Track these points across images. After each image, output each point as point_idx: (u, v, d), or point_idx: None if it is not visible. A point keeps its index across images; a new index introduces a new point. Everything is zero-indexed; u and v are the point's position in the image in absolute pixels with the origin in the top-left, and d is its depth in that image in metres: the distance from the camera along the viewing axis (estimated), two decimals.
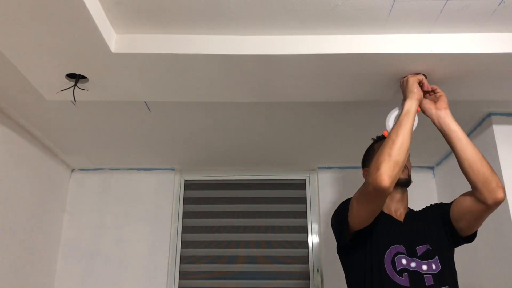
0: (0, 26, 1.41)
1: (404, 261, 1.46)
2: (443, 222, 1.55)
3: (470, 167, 1.43)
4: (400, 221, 1.56)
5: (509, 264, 1.91)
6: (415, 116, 1.48)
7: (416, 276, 1.43)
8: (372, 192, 1.35)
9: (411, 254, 1.48)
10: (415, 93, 1.52)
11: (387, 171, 1.32)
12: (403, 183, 1.59)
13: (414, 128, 1.49)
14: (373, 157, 1.45)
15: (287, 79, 1.74)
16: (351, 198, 1.55)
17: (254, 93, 1.85)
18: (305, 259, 2.65)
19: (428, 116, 1.58)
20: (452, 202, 1.56)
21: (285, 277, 2.62)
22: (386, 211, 1.59)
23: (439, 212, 1.58)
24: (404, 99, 1.55)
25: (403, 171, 1.55)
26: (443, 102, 1.55)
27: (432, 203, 1.68)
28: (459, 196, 1.54)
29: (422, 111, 1.59)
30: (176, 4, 1.43)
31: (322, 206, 2.74)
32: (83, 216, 2.74)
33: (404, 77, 1.64)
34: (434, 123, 1.56)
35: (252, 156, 2.64)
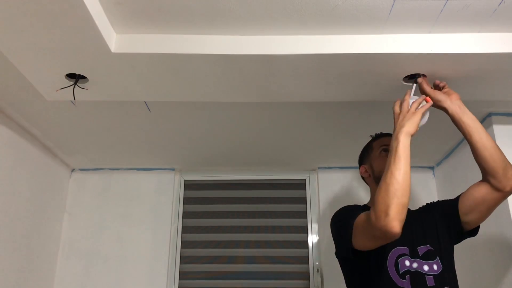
0: (0, 26, 1.41)
1: (407, 263, 1.45)
2: (446, 218, 1.54)
3: (490, 155, 1.43)
4: None
5: (509, 264, 1.91)
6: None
7: (417, 277, 1.43)
8: (381, 236, 1.29)
9: (413, 255, 1.47)
10: (415, 125, 1.42)
11: (397, 216, 1.24)
12: None
13: (424, 122, 1.48)
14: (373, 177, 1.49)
15: (287, 79, 1.74)
16: (355, 209, 1.50)
17: (254, 93, 1.85)
18: (305, 259, 2.65)
19: (441, 109, 1.55)
20: (460, 196, 1.56)
21: (285, 277, 2.62)
22: None
23: (441, 209, 1.57)
24: (398, 128, 1.40)
25: None
26: (455, 95, 1.55)
27: (428, 202, 1.67)
28: (469, 189, 1.54)
29: (435, 104, 1.54)
30: (176, 4, 1.43)
31: (322, 206, 2.74)
32: (83, 216, 2.74)
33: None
34: (449, 114, 1.53)
35: (252, 156, 2.64)
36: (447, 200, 1.60)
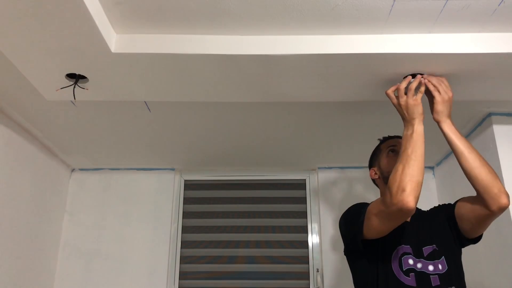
0: (0, 26, 1.41)
1: (411, 261, 1.46)
2: (449, 222, 1.55)
3: (477, 175, 1.42)
4: (407, 221, 1.55)
5: (509, 264, 1.91)
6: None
7: (422, 276, 1.44)
8: (396, 213, 1.35)
9: (418, 255, 1.48)
10: (421, 114, 1.47)
11: (413, 192, 1.32)
12: None
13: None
14: (386, 169, 1.49)
15: (287, 79, 1.74)
16: (365, 204, 1.53)
17: (254, 93, 1.85)
18: (305, 259, 2.65)
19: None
20: (457, 201, 1.56)
21: (285, 277, 2.62)
22: None
23: (446, 212, 1.58)
24: (410, 119, 1.47)
25: None
26: (439, 108, 1.52)
27: (440, 204, 1.68)
28: (466, 197, 1.54)
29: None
30: (176, 4, 1.43)
31: (322, 206, 2.74)
32: (83, 216, 2.74)
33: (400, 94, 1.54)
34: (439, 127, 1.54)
35: (252, 156, 2.64)
36: (450, 204, 1.61)
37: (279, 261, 2.65)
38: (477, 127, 2.18)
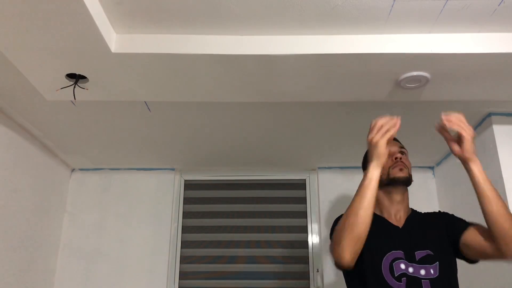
0: (0, 26, 1.41)
1: (403, 266, 1.44)
2: (450, 236, 1.51)
3: (490, 217, 1.38)
4: (398, 227, 1.54)
5: (509, 264, 1.91)
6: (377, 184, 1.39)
7: (414, 281, 1.42)
8: (335, 263, 1.37)
9: (410, 259, 1.46)
10: (382, 158, 1.39)
11: (348, 248, 1.31)
12: (403, 182, 1.55)
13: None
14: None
15: (287, 79, 1.74)
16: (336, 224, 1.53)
17: (254, 93, 1.85)
18: (305, 259, 2.65)
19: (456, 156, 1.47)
20: (468, 227, 1.50)
21: (285, 277, 2.62)
22: (385, 215, 1.57)
23: (450, 226, 1.54)
24: (368, 160, 1.40)
25: (402, 170, 1.54)
26: (469, 146, 1.42)
27: (441, 211, 1.64)
28: (477, 226, 1.48)
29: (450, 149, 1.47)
30: (176, 4, 1.43)
31: (322, 206, 2.74)
32: (83, 216, 2.74)
33: (372, 129, 1.42)
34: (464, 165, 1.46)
35: (252, 156, 2.64)
36: (456, 220, 1.56)
37: (279, 261, 2.65)
38: (477, 127, 2.18)
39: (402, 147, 1.62)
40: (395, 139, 1.67)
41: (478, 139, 2.17)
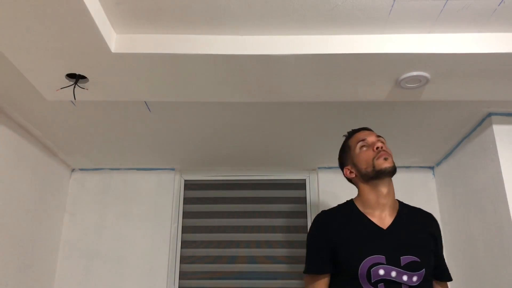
0: (0, 26, 1.41)
1: (381, 272, 1.40)
2: (434, 249, 1.54)
3: None
4: (382, 229, 1.49)
5: (509, 264, 1.91)
6: None
7: (392, 286, 1.39)
8: None
9: (393, 263, 1.41)
10: None
11: None
12: (391, 172, 1.53)
13: None
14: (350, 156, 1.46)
15: (287, 79, 1.74)
16: (309, 245, 1.65)
17: (254, 93, 1.85)
18: (305, 259, 2.65)
19: None
20: (442, 279, 1.58)
21: (285, 277, 2.62)
22: (368, 213, 1.54)
23: (435, 245, 1.56)
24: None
25: (387, 159, 1.52)
26: None
27: (434, 218, 1.64)
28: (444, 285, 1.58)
29: None
30: (176, 4, 1.43)
31: (322, 206, 2.73)
32: (83, 216, 2.74)
33: None
34: None
35: (252, 156, 2.64)
36: (439, 244, 1.59)
37: (279, 261, 2.66)
38: (477, 127, 2.18)
39: (379, 136, 1.61)
40: (367, 129, 1.66)
41: (478, 139, 2.17)
